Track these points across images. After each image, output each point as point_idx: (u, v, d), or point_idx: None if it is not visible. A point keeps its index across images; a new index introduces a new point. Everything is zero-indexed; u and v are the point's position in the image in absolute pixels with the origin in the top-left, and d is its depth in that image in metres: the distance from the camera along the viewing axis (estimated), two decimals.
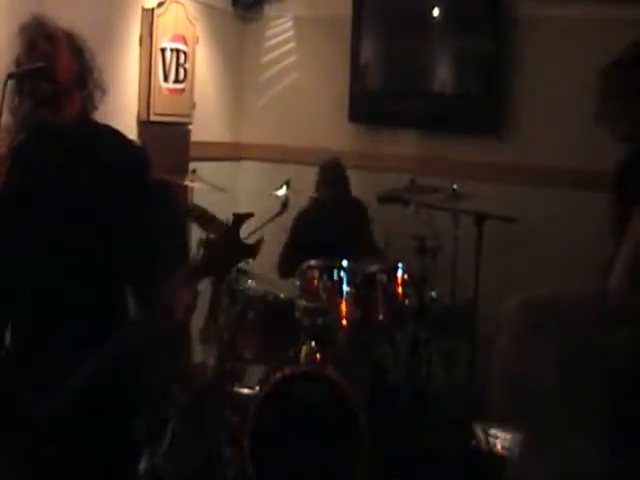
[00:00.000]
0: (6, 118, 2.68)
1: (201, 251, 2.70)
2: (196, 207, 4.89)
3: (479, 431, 4.78)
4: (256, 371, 5.07)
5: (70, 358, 2.62)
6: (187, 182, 5.24)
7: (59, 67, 2.74)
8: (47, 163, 2.79)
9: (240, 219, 2.66)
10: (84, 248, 2.74)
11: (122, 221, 2.74)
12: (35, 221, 2.74)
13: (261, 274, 5.29)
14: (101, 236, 2.74)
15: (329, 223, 5.43)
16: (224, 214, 5.40)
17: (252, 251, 2.73)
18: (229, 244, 2.66)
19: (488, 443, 4.72)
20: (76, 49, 2.85)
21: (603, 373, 1.57)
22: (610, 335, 1.56)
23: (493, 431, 4.79)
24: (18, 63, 2.77)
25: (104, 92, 2.91)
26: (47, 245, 2.73)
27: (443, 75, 6.34)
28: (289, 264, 5.44)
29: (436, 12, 6.23)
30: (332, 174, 5.66)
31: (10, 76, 2.64)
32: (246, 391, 4.95)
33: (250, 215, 2.72)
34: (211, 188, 5.37)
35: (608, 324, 1.58)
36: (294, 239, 5.59)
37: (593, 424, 1.63)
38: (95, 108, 2.89)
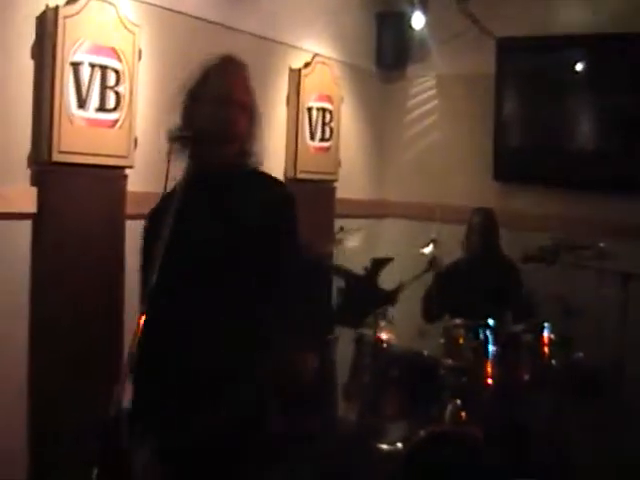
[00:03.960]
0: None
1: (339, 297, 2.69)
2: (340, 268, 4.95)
3: None
4: (398, 428, 5.03)
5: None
6: (337, 238, 5.28)
7: (234, 134, 2.84)
8: (201, 212, 2.84)
9: (378, 264, 2.64)
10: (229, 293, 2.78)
11: (265, 274, 2.79)
12: (189, 267, 2.78)
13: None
14: (244, 286, 2.79)
15: (478, 280, 5.40)
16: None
17: (391, 297, 2.71)
18: (367, 289, 2.64)
19: None
20: (254, 119, 2.94)
21: None
22: None
23: None
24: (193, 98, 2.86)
25: (261, 163, 2.99)
26: (197, 290, 2.79)
27: (587, 132, 6.27)
28: (434, 311, 5.45)
29: (579, 69, 6.19)
30: (484, 221, 5.63)
31: (172, 139, 2.72)
32: (388, 447, 4.93)
33: (389, 260, 2.69)
34: (358, 245, 5.42)
35: None
36: (440, 291, 5.56)
37: None
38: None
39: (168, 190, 2.75)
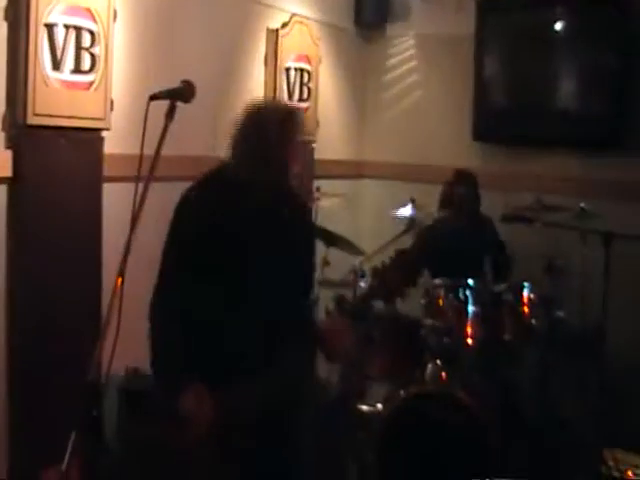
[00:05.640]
0: None
1: (370, 277, 2.97)
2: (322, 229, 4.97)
3: (609, 457, 4.65)
4: (379, 389, 5.04)
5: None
6: (314, 199, 5.30)
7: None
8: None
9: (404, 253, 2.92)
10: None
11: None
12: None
13: None
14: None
15: (457, 241, 5.39)
16: (347, 231, 5.48)
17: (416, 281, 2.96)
18: (397, 272, 2.87)
19: (619, 469, 4.59)
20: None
21: None
22: None
23: (623, 458, 4.67)
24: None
25: None
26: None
27: (568, 92, 6.24)
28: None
29: (560, 28, 6.15)
30: (464, 181, 5.59)
31: (152, 97, 2.71)
32: (368, 408, 4.94)
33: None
34: (335, 205, 5.42)
35: None
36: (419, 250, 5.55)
37: None
38: None
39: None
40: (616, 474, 4.55)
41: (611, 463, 4.61)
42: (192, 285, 3.01)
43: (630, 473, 4.54)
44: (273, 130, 3.04)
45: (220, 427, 2.89)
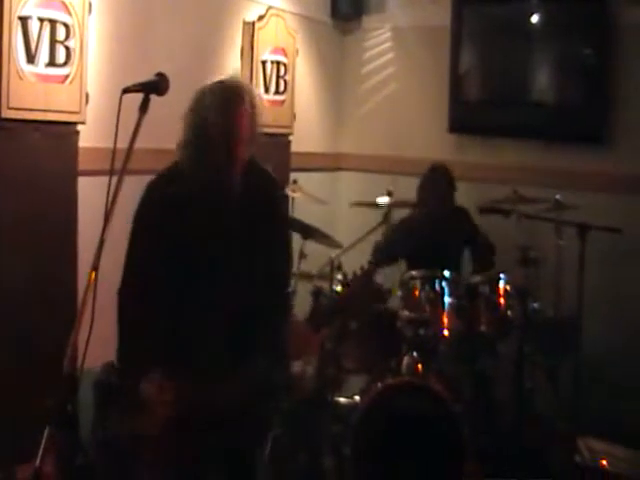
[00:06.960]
0: None
1: (339, 291, 3.05)
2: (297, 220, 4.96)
3: (583, 447, 4.68)
4: (356, 381, 5.05)
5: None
6: (289, 192, 5.30)
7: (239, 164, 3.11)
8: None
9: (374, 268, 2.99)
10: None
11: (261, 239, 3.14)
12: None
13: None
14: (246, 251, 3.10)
15: (434, 234, 5.39)
16: (324, 224, 5.48)
17: (383, 296, 3.07)
18: (364, 287, 2.94)
19: (592, 459, 4.62)
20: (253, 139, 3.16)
21: None
22: None
23: (597, 447, 4.70)
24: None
25: None
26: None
27: (544, 84, 6.26)
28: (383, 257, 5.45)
29: (536, 20, 6.16)
30: (439, 176, 5.57)
31: (125, 90, 2.70)
32: (345, 400, 4.95)
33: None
34: (311, 198, 5.42)
35: None
36: (394, 242, 5.55)
37: None
38: None
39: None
40: (590, 464, 4.58)
41: (585, 452, 4.65)
42: (158, 274, 3.01)
43: (604, 462, 4.57)
44: (207, 109, 3.06)
45: (183, 416, 2.90)
